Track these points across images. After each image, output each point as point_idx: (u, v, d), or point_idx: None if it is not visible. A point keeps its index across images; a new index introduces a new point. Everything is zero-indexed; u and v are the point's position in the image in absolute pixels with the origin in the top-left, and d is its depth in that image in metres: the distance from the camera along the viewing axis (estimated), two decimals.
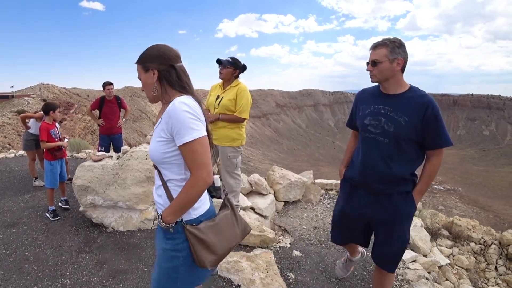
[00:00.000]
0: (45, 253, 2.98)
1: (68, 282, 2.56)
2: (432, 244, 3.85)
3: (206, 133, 1.29)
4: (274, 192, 4.49)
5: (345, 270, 2.71)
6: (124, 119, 5.73)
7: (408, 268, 3.07)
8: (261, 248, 3.11)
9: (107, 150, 5.41)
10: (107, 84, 5.29)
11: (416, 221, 4.04)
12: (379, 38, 1.97)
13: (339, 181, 5.39)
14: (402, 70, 1.87)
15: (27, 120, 5.23)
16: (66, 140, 4.10)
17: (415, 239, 3.62)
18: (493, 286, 3.83)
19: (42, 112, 4.10)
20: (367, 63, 1.93)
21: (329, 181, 5.28)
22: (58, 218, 3.71)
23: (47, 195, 3.84)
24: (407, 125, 1.82)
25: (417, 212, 4.51)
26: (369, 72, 1.94)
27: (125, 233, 3.39)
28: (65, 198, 4.07)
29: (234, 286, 2.48)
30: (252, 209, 3.94)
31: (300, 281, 2.67)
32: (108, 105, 5.34)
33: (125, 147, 3.81)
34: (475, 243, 4.33)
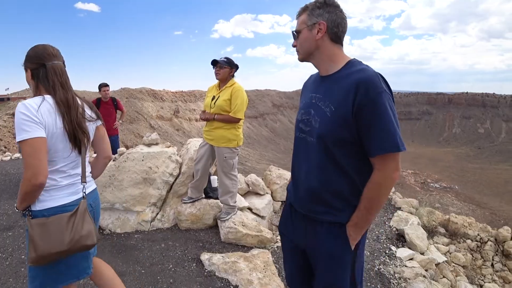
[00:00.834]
0: None
1: None
2: (429, 241, 3.88)
3: (41, 135, 1.32)
4: (271, 192, 4.49)
5: None
6: (120, 121, 5.72)
7: (406, 266, 3.09)
8: (259, 248, 3.12)
9: None
10: (103, 86, 5.27)
11: (413, 219, 4.07)
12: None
13: None
14: (334, 39, 1.31)
15: None
16: None
17: (412, 237, 3.64)
18: (489, 282, 3.87)
19: None
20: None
21: None
22: None
23: None
24: (333, 118, 1.23)
25: (413, 210, 4.53)
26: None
27: (122, 235, 3.38)
28: None
29: (232, 287, 2.48)
30: (250, 209, 3.94)
31: None
32: (104, 107, 5.32)
33: (121, 149, 3.80)
34: (472, 240, 4.36)
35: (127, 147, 5.14)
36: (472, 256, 4.20)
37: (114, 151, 5.24)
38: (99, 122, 1.65)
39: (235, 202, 3.41)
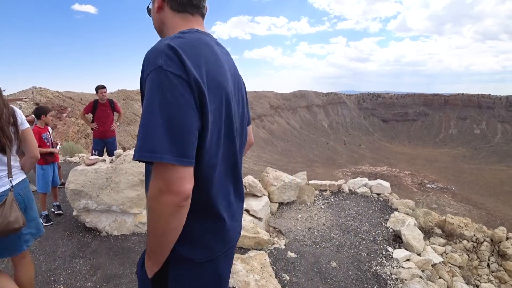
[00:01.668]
0: (38, 259, 2.94)
1: None
2: (425, 242, 3.90)
3: None
4: (269, 194, 4.50)
5: None
6: (117, 123, 5.70)
7: (402, 267, 3.11)
8: (256, 250, 3.12)
9: (101, 154, 5.37)
10: (100, 88, 5.25)
11: (410, 220, 4.09)
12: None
13: (333, 182, 5.42)
14: (174, 8, 0.97)
15: None
16: (58, 146, 4.05)
17: (408, 238, 3.66)
18: (485, 283, 3.89)
19: (33, 116, 4.05)
20: None
21: (323, 182, 5.30)
22: (51, 223, 3.67)
23: (39, 199, 3.79)
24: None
25: (410, 211, 4.56)
26: None
27: (119, 237, 3.37)
28: (58, 203, 4.03)
29: None
30: (247, 211, 3.94)
31: (295, 282, 2.68)
32: (101, 109, 5.30)
33: (118, 151, 3.79)
34: (468, 240, 4.39)
35: (124, 149, 5.13)
36: (468, 256, 4.22)
37: (112, 153, 5.23)
38: (25, 126, 1.90)
39: None
